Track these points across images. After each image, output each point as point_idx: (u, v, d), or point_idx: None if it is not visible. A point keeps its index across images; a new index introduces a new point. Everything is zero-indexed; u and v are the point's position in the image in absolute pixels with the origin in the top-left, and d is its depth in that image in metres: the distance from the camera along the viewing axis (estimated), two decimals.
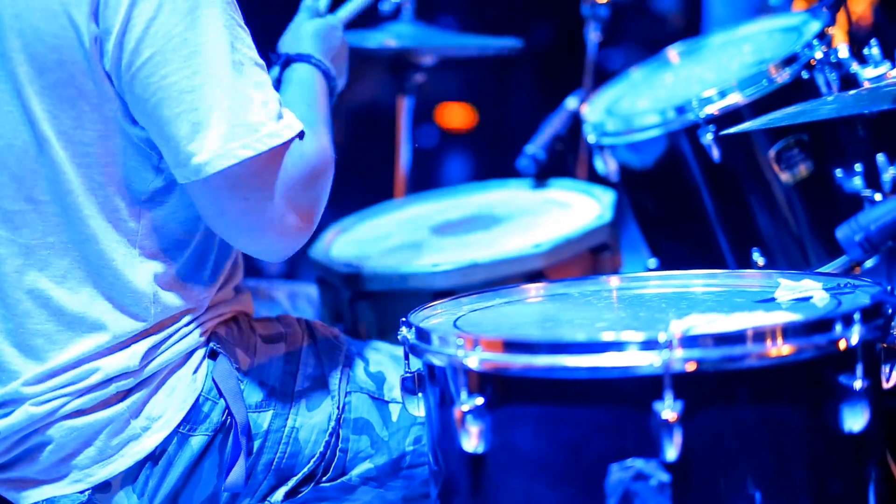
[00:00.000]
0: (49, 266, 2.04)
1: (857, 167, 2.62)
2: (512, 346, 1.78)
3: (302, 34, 2.30)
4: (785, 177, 2.65)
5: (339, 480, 2.19)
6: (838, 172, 2.64)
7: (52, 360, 2.04)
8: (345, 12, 2.57)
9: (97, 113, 2.00)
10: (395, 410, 2.22)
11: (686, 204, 2.76)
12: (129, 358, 2.05)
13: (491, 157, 5.74)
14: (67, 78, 1.98)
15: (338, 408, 2.19)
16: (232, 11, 2.00)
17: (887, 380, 1.81)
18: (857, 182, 2.63)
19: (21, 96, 1.99)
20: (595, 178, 3.19)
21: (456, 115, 5.72)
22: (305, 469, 2.17)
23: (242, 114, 1.96)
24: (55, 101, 1.99)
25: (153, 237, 2.07)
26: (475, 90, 5.71)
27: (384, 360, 2.27)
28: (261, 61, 2.02)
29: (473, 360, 1.79)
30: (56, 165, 2.01)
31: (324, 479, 2.18)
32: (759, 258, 2.69)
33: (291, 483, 2.16)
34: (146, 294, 2.06)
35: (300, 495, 2.17)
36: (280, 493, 2.16)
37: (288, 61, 2.25)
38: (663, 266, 2.87)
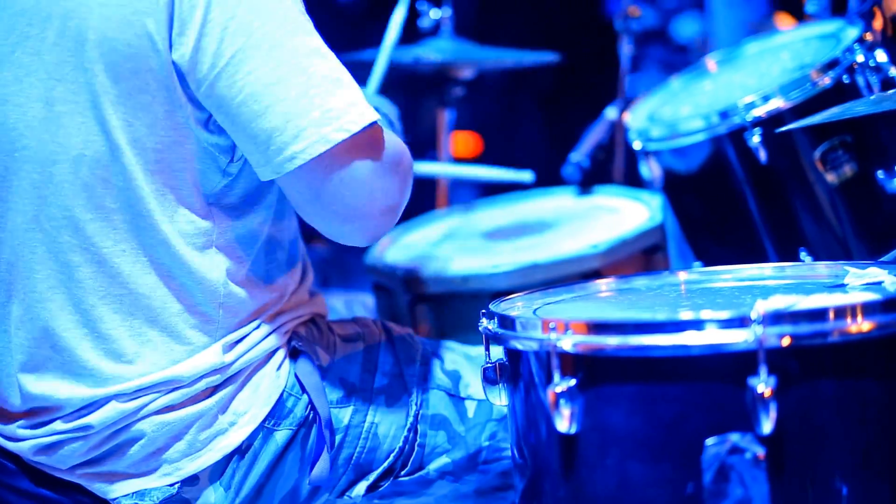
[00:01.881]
0: (121, 273, 2.07)
1: None
2: (604, 328, 1.83)
3: None
4: (830, 178, 2.72)
5: (416, 475, 2.23)
6: (880, 174, 2.71)
7: (132, 365, 2.08)
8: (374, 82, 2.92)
9: (170, 119, 2.03)
10: (470, 407, 2.27)
11: (731, 206, 2.82)
12: (216, 354, 2.10)
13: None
14: (142, 85, 2.01)
15: (416, 404, 2.24)
16: (300, 1, 2.04)
17: None
18: None
19: (97, 106, 2.02)
20: (632, 184, 3.25)
21: (462, 144, 5.76)
22: (385, 464, 2.21)
23: (330, 98, 1.99)
24: (129, 109, 2.01)
25: (221, 238, 2.10)
26: (478, 118, 5.75)
27: (458, 359, 2.32)
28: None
29: (567, 343, 1.84)
30: (128, 173, 2.03)
31: (402, 473, 2.23)
32: (806, 258, 2.74)
33: (372, 477, 2.20)
34: (217, 294, 2.09)
35: (379, 489, 2.21)
36: (362, 487, 2.20)
37: None
38: None
